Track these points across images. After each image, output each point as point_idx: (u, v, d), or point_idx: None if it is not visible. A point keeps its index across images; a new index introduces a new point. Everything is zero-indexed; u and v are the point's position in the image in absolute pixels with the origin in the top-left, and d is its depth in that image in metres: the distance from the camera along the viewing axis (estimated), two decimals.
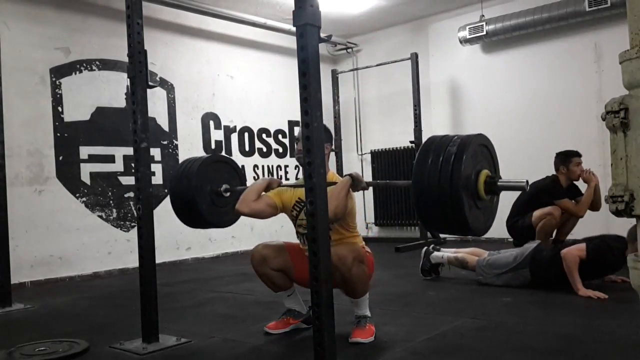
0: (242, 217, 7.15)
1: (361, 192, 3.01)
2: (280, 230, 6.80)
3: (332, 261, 2.57)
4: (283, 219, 3.08)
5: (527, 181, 2.19)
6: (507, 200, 4.99)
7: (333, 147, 2.94)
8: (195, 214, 3.12)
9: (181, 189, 3.11)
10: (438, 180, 2.04)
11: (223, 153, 6.60)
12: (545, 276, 3.68)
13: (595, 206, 4.60)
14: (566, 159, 4.66)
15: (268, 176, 7.05)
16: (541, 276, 3.69)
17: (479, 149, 2.18)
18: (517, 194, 4.95)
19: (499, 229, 6.11)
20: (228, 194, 3.19)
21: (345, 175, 2.66)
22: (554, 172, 4.74)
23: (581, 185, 4.73)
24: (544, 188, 4.65)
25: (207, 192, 3.12)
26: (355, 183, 2.62)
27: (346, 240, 2.82)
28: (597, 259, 3.47)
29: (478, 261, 3.99)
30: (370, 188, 7.52)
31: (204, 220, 3.17)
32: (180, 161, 6.11)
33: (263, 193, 2.88)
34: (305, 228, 2.39)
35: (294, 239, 3.01)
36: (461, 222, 2.07)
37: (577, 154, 4.67)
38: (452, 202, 2.02)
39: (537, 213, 4.55)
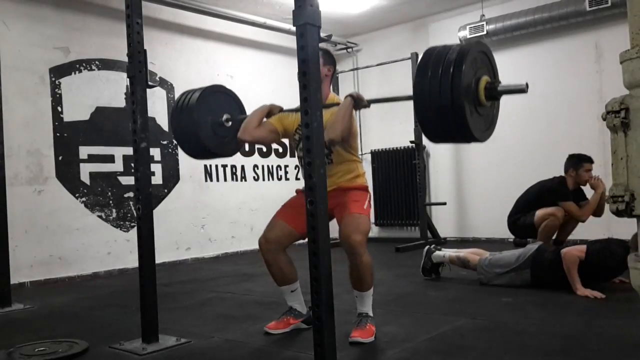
0: (241, 216, 7.14)
1: None
2: None
3: (344, 247, 2.65)
4: None
5: (526, 83, 2.21)
6: (510, 197, 5.01)
7: (334, 69, 2.96)
8: (198, 146, 3.11)
9: (183, 122, 3.09)
10: (439, 89, 2.04)
11: None
12: (545, 278, 3.67)
13: (598, 212, 4.61)
14: (578, 163, 4.66)
15: (269, 177, 7.06)
16: (541, 278, 3.68)
17: (478, 56, 2.18)
18: (521, 190, 4.95)
19: (499, 229, 6.08)
20: (230, 123, 3.16)
21: (346, 97, 2.66)
22: (562, 174, 4.72)
23: (586, 188, 4.74)
24: (550, 188, 4.65)
25: (209, 123, 3.09)
26: (357, 102, 2.65)
27: (346, 163, 2.83)
28: (597, 262, 3.45)
29: (480, 260, 3.96)
30: (371, 189, 7.49)
31: (208, 151, 3.15)
32: (180, 162, 6.14)
33: (264, 120, 2.88)
34: None
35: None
36: (463, 129, 2.09)
37: (589, 160, 4.66)
38: (453, 110, 2.03)
39: (539, 212, 4.55)
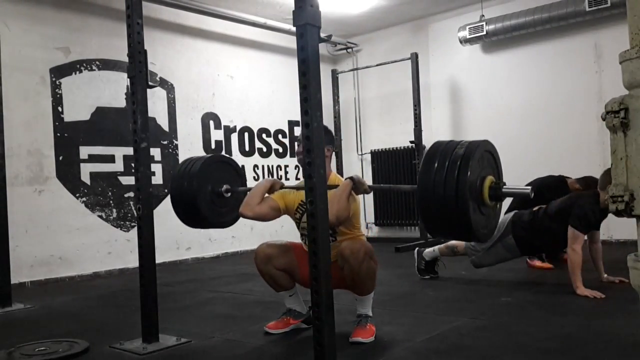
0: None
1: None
2: (281, 230, 6.80)
3: (344, 255, 2.61)
4: (284, 219, 3.08)
5: (531, 189, 2.23)
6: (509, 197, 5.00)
7: (334, 149, 2.96)
8: (195, 215, 3.12)
9: (182, 189, 3.10)
10: (443, 185, 2.04)
11: (223, 153, 6.60)
12: (527, 239, 3.87)
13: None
14: None
15: (269, 177, 7.06)
16: (524, 240, 3.87)
17: (484, 155, 2.19)
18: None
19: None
20: (229, 194, 3.19)
21: (346, 179, 2.65)
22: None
23: None
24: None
25: (208, 192, 3.11)
26: (357, 186, 2.62)
27: (349, 239, 2.81)
28: (589, 229, 3.62)
29: (466, 243, 4.10)
30: None
31: (205, 221, 3.17)
32: (180, 161, 6.14)
33: (266, 195, 2.88)
34: None
35: (295, 239, 3.01)
36: (466, 227, 2.08)
37: None
38: (457, 207, 2.03)
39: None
